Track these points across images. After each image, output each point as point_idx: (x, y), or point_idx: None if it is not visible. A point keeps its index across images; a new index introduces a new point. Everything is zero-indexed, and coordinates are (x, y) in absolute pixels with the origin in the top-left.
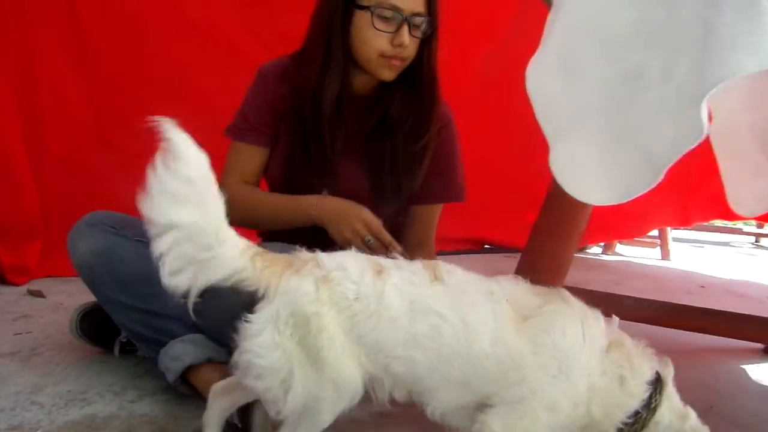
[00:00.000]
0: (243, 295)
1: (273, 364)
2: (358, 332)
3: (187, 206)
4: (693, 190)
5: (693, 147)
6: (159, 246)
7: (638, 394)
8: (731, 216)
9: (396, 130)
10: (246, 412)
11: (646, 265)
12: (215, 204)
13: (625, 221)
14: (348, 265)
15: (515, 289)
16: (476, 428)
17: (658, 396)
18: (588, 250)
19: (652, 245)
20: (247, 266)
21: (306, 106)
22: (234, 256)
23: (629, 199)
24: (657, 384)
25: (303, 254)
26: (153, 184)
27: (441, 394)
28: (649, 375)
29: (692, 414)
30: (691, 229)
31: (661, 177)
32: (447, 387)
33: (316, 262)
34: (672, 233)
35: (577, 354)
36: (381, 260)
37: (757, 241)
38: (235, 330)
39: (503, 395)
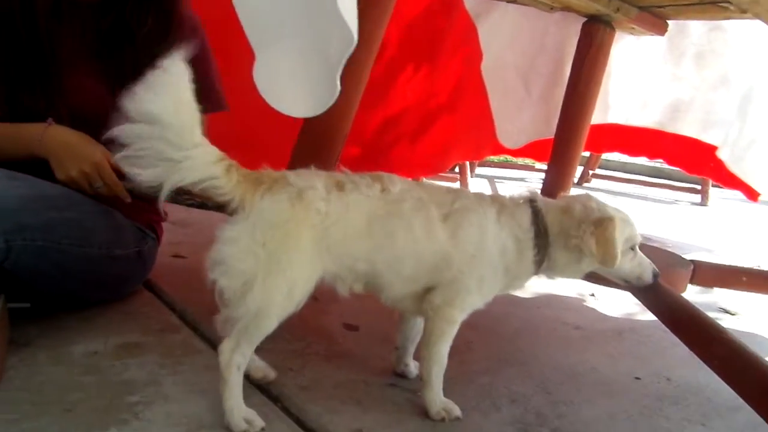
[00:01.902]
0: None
1: (245, 267)
2: (328, 242)
3: (164, 98)
4: (483, 127)
5: (352, 49)
6: (126, 135)
7: (529, 238)
8: (517, 152)
9: (135, 32)
10: None
11: None
12: (189, 105)
13: (429, 158)
14: (316, 183)
15: (432, 191)
16: (424, 306)
17: (542, 223)
18: None
19: (454, 180)
20: (223, 176)
21: (16, 5)
22: (209, 162)
23: (324, 110)
24: (536, 216)
25: (270, 172)
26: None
27: (394, 286)
28: (527, 219)
29: (570, 201)
30: (494, 167)
31: (339, 87)
32: (399, 280)
33: (287, 181)
34: (477, 170)
35: (485, 235)
36: (336, 174)
37: None
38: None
39: (440, 280)
